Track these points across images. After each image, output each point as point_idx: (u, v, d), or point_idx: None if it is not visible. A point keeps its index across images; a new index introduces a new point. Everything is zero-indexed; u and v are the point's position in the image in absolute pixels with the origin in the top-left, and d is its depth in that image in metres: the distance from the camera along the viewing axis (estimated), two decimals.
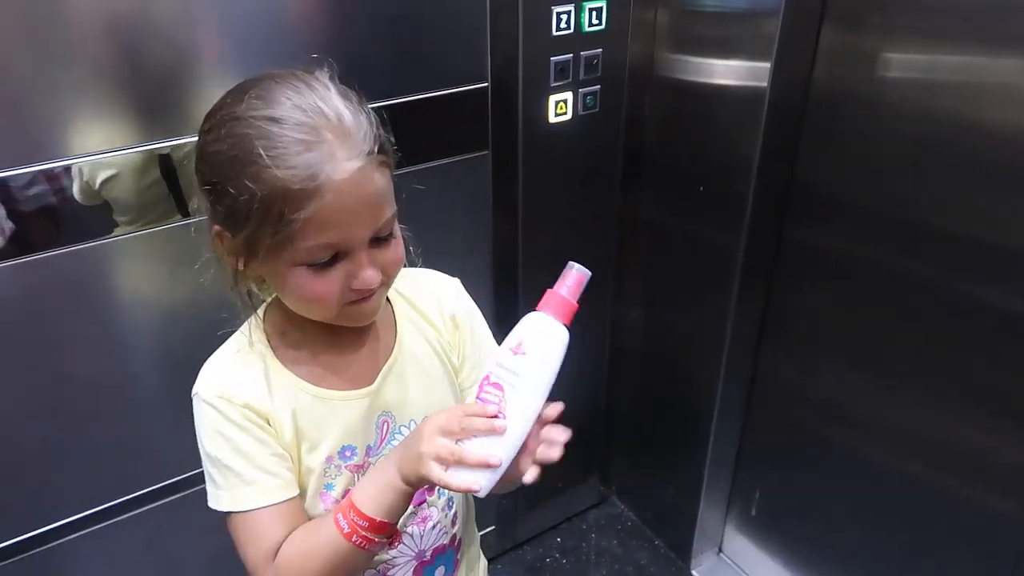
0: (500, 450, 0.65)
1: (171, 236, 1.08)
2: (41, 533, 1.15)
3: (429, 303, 0.83)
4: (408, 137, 1.01)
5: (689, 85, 1.29)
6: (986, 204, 1.05)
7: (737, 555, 1.63)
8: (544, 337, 0.66)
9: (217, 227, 0.68)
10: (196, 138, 0.69)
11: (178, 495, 1.24)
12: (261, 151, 0.62)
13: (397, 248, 0.71)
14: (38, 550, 1.16)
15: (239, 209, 0.64)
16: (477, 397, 0.67)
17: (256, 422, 0.73)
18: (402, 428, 0.80)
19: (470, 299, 0.86)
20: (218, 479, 0.73)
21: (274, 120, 0.63)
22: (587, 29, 1.26)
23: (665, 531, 1.68)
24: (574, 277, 0.67)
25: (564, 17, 1.24)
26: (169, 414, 1.12)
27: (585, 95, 1.31)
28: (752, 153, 1.24)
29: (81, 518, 1.18)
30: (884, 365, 1.23)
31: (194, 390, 0.74)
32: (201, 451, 0.75)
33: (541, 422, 0.69)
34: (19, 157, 0.96)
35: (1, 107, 0.93)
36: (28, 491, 1.13)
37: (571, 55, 1.27)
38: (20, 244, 0.99)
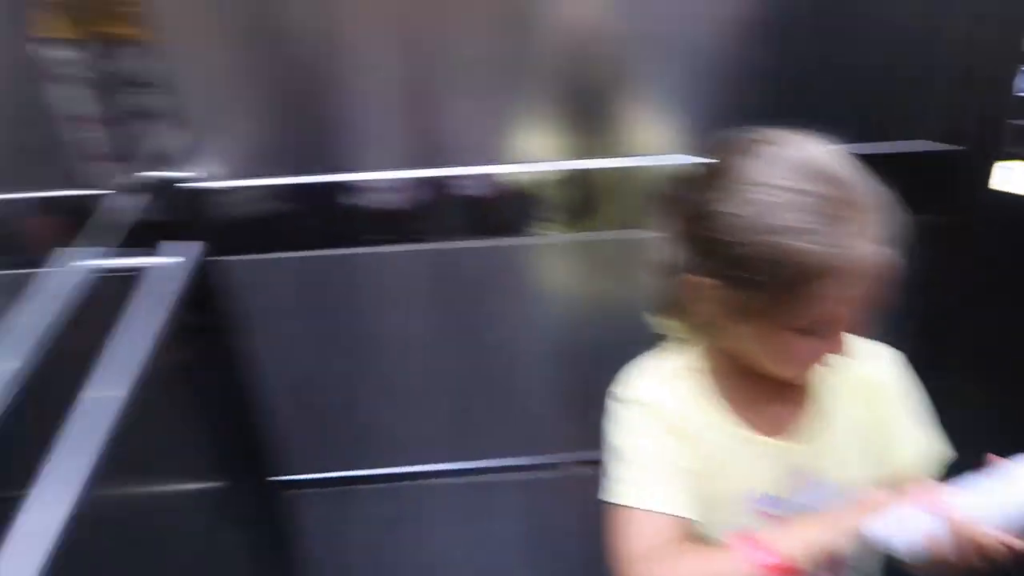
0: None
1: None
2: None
3: (869, 371, 0.81)
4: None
5: None
6: None
7: None
8: None
9: (707, 280, 0.69)
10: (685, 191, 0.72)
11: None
12: (792, 223, 0.62)
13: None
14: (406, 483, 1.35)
15: (750, 271, 0.65)
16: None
17: (674, 430, 0.76)
18: (821, 487, 0.79)
19: (910, 376, 0.83)
20: (619, 473, 0.77)
21: (802, 192, 0.63)
22: None
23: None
24: None
25: None
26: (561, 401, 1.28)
27: None
28: None
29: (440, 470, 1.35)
30: None
31: (617, 391, 0.79)
32: (609, 445, 0.79)
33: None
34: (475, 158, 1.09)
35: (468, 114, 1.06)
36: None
37: None
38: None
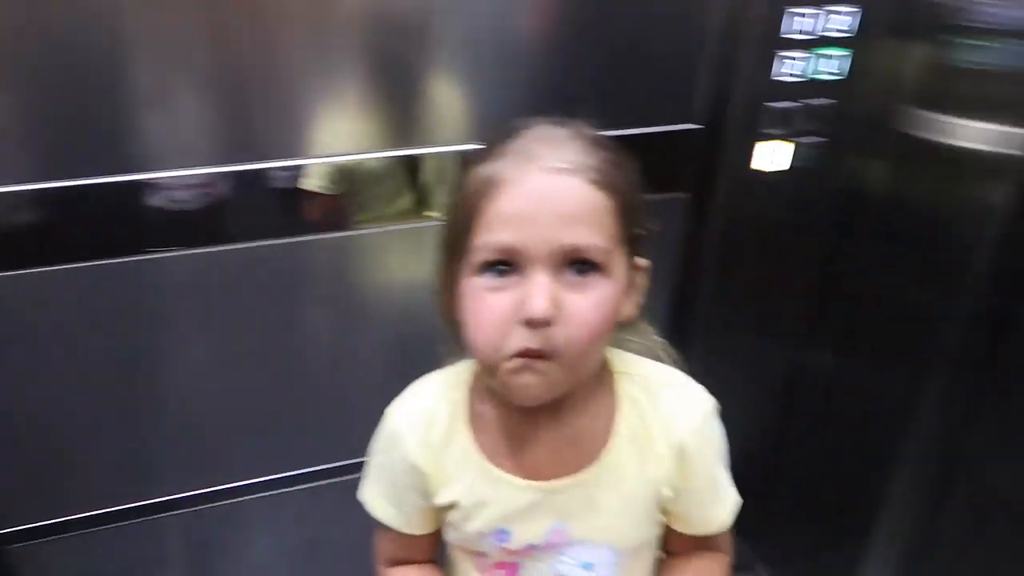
0: None
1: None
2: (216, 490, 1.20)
3: (661, 424, 0.70)
4: None
5: (931, 145, 1.13)
6: None
7: None
8: None
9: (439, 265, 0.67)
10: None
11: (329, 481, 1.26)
12: (484, 154, 0.62)
13: (594, 296, 0.60)
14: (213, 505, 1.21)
15: (447, 217, 0.64)
16: None
17: (412, 473, 0.72)
18: (575, 544, 0.71)
19: (716, 428, 0.73)
20: (371, 478, 0.78)
21: (514, 129, 0.63)
22: (819, 76, 1.10)
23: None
24: None
25: (791, 63, 1.08)
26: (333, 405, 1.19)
27: (806, 146, 1.15)
28: (992, 227, 1.10)
29: (245, 485, 1.21)
30: None
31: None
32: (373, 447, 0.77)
33: None
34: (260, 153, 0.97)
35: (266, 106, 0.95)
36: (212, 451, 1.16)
37: (793, 103, 1.11)
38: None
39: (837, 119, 1.13)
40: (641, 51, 1.05)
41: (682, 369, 0.76)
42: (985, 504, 1.29)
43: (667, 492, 0.71)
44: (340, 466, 1.24)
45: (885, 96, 1.15)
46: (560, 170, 0.59)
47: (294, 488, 1.24)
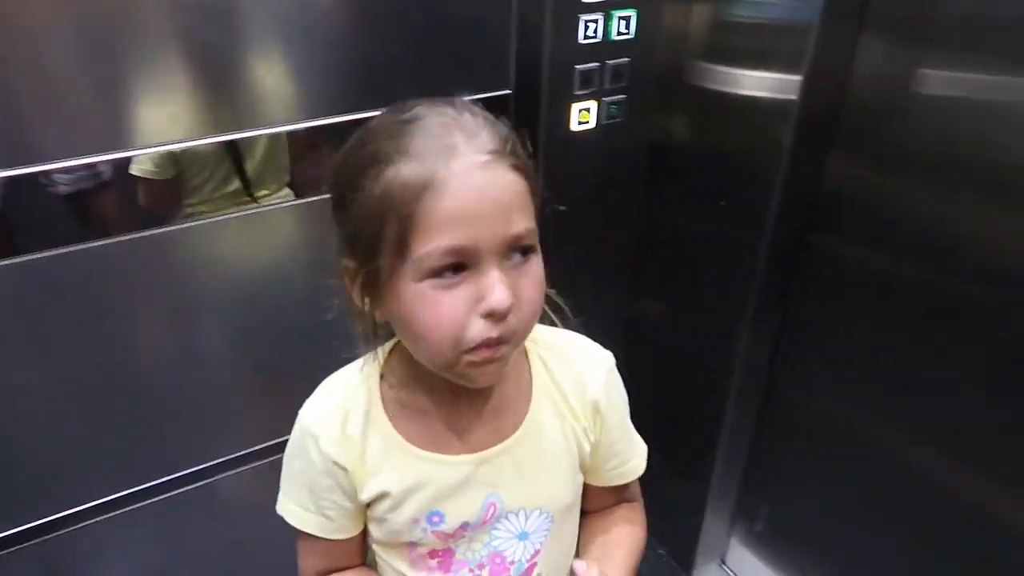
0: None
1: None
2: (50, 521, 1.12)
3: (572, 383, 0.75)
4: None
5: (718, 95, 1.25)
6: (1014, 222, 1.10)
7: (740, 568, 1.65)
8: None
9: (344, 260, 0.65)
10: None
11: (188, 488, 1.22)
12: (389, 150, 0.59)
13: (535, 276, 0.63)
14: (46, 537, 1.13)
15: (360, 220, 0.60)
16: None
17: (332, 472, 0.71)
18: (510, 515, 0.74)
19: (619, 380, 0.79)
20: (287, 490, 0.75)
21: (407, 122, 0.61)
22: (615, 37, 1.18)
23: (668, 539, 1.68)
24: None
25: (592, 25, 1.16)
26: (189, 405, 1.15)
27: (610, 104, 1.23)
28: (778, 166, 1.23)
29: (90, 508, 1.15)
30: (901, 383, 1.27)
31: (303, 406, 0.73)
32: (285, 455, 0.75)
33: None
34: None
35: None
36: (39, 479, 1.10)
37: (597, 64, 1.19)
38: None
39: (635, 76, 1.22)
40: (451, 20, 1.08)
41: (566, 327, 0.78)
42: (795, 420, 1.45)
43: (587, 447, 0.76)
44: (195, 471, 1.21)
45: (674, 52, 1.26)
46: (486, 162, 0.59)
47: (148, 502, 1.19)
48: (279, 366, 1.20)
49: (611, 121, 1.24)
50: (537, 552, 0.77)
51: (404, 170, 0.58)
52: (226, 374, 1.17)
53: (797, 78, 1.17)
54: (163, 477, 1.18)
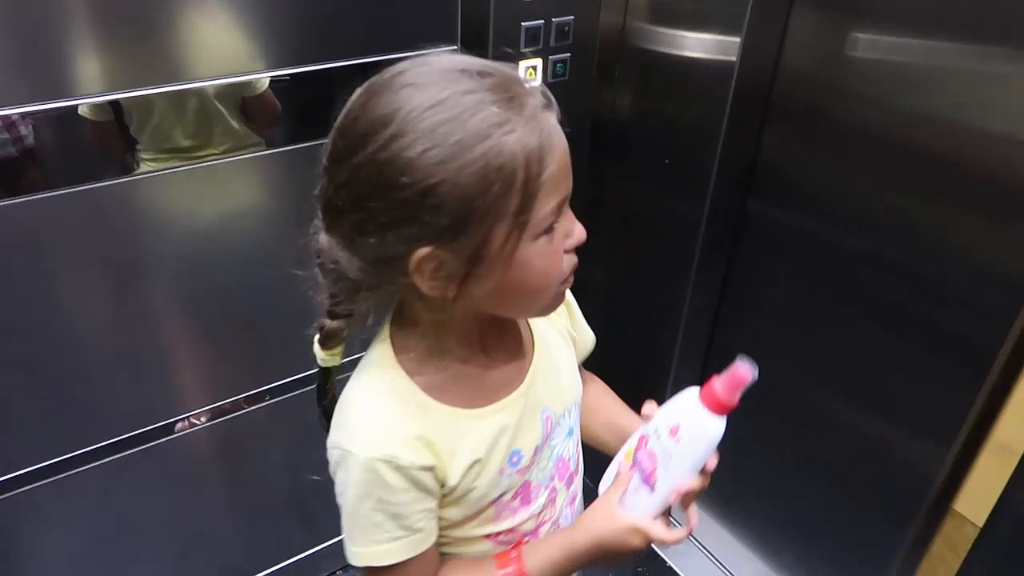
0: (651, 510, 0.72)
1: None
2: None
3: None
4: None
5: (659, 56, 1.28)
6: (938, 189, 1.15)
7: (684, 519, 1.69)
8: (700, 432, 0.68)
9: (425, 251, 0.58)
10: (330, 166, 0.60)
11: (132, 450, 1.19)
12: (486, 125, 0.55)
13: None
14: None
15: (460, 205, 0.56)
16: (635, 452, 0.73)
17: (417, 480, 0.66)
18: (560, 420, 0.78)
19: None
20: (359, 538, 0.68)
21: (470, 92, 0.56)
22: None
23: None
24: (737, 379, 0.65)
25: None
26: (125, 370, 1.12)
27: (555, 62, 1.24)
28: (718, 127, 1.26)
29: (33, 471, 1.12)
30: (836, 342, 1.32)
31: (343, 445, 0.66)
32: (342, 506, 0.69)
33: (681, 492, 0.71)
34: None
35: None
36: None
37: (542, 21, 1.20)
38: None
39: (579, 35, 1.24)
40: None
41: None
42: None
43: (573, 334, 0.84)
44: (140, 434, 1.19)
45: (617, 13, 1.28)
46: (551, 111, 0.60)
47: (85, 468, 1.17)
48: (223, 327, 1.19)
49: (557, 80, 1.26)
50: (578, 441, 0.84)
51: (510, 141, 0.56)
52: (165, 336, 1.16)
53: (736, 39, 1.21)
54: (103, 441, 1.16)
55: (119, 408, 1.16)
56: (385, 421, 0.66)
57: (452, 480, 0.68)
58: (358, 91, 0.60)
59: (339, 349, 0.71)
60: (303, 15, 1.04)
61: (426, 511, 0.68)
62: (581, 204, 1.52)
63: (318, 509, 1.50)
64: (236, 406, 1.27)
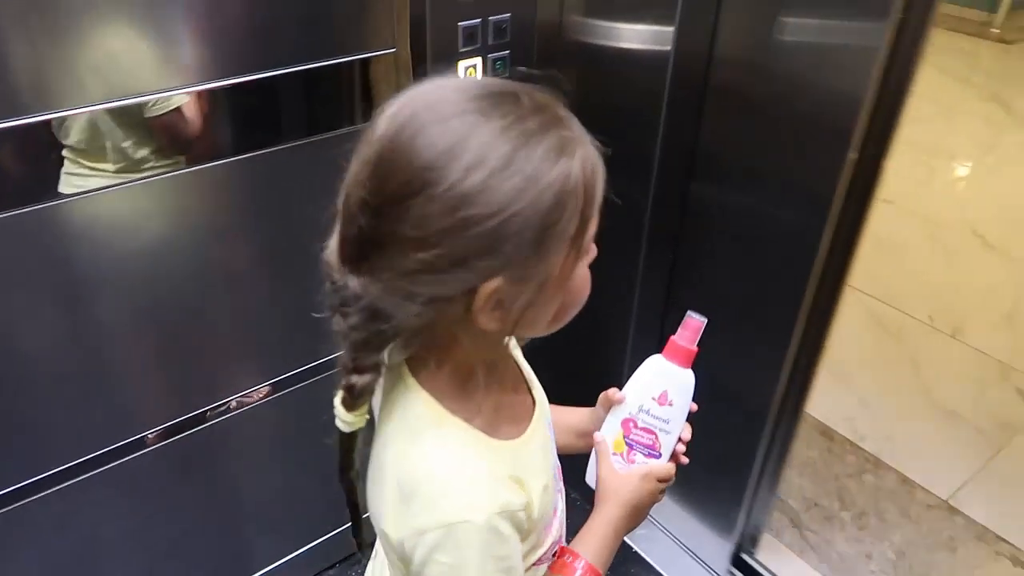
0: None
1: None
2: None
3: None
4: (312, 106, 1.14)
5: (597, 49, 1.29)
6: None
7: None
8: (684, 387, 0.76)
9: (495, 283, 0.55)
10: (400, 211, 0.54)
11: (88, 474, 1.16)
12: (554, 148, 0.55)
13: None
14: None
15: (549, 228, 0.55)
16: (626, 439, 0.77)
17: (519, 523, 0.63)
18: (551, 433, 0.78)
19: None
20: None
21: (524, 116, 0.55)
22: None
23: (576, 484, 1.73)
24: (694, 327, 0.75)
25: None
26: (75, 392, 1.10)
27: (495, 60, 1.24)
28: (658, 115, 1.29)
29: None
30: (772, 320, 1.35)
31: (449, 520, 0.59)
32: None
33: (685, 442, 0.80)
34: None
35: None
36: None
37: (479, 20, 1.20)
38: None
39: (517, 32, 1.24)
40: None
41: None
42: None
43: None
44: (91, 458, 1.16)
45: (554, 7, 1.28)
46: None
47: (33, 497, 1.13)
48: (168, 347, 1.17)
49: (497, 77, 1.26)
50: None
51: (575, 163, 0.56)
52: (111, 357, 1.14)
53: (670, 29, 1.23)
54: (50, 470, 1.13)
55: (66, 433, 1.13)
56: (480, 475, 0.62)
57: (536, 511, 0.66)
58: (387, 125, 0.56)
59: (366, 407, 0.65)
60: (237, 24, 1.02)
61: (522, 555, 0.66)
62: None
63: (283, 520, 1.50)
64: (183, 427, 1.25)
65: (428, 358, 0.64)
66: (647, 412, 0.75)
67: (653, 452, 0.76)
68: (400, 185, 0.53)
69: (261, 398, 1.30)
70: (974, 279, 2.64)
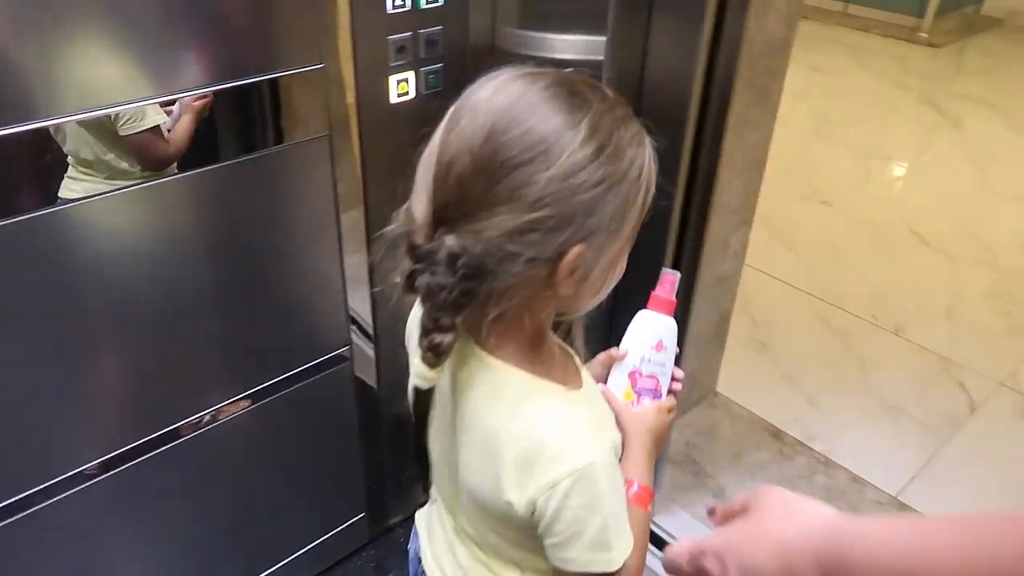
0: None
1: None
2: None
3: None
4: (241, 124, 1.13)
5: (531, 60, 1.28)
6: None
7: None
8: (672, 333, 0.85)
9: (579, 248, 0.63)
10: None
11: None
12: (628, 132, 0.64)
13: None
14: None
15: (634, 198, 0.65)
16: (634, 388, 0.85)
17: (619, 452, 0.76)
18: None
19: None
20: (620, 536, 0.70)
21: (598, 99, 0.63)
22: (424, 6, 1.17)
23: None
24: (670, 280, 0.84)
25: None
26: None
27: (427, 74, 1.22)
28: None
29: None
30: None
31: (575, 465, 0.66)
32: (590, 527, 0.68)
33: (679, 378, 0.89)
34: None
35: None
36: None
37: (410, 33, 1.18)
38: None
39: (450, 44, 1.23)
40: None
41: None
42: None
43: None
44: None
45: (486, 18, 1.27)
46: None
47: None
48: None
49: (431, 91, 1.24)
50: None
51: (647, 145, 0.65)
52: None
53: (602, 39, 1.22)
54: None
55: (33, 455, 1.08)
56: (586, 422, 0.71)
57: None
58: (498, 96, 0.62)
59: (445, 364, 0.68)
60: (168, 45, 0.98)
61: None
62: None
63: (268, 531, 1.47)
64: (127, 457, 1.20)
65: (491, 330, 0.68)
66: (648, 361, 0.84)
67: (656, 394, 0.86)
68: (520, 151, 0.60)
69: (239, 411, 1.28)
70: (913, 277, 2.70)
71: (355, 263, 1.31)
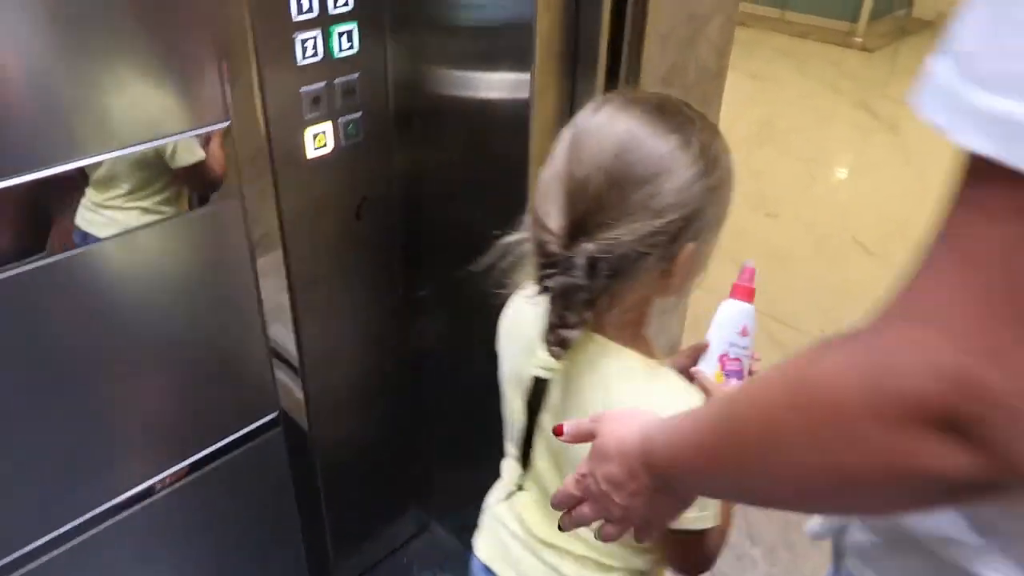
0: None
1: None
2: None
3: None
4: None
5: (455, 100, 1.23)
6: None
7: None
8: (752, 319, 0.90)
9: (692, 245, 0.73)
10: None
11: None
12: (719, 143, 0.75)
13: None
14: None
15: (723, 203, 0.75)
16: (724, 371, 0.89)
17: None
18: None
19: None
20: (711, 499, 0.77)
21: (687, 111, 0.75)
22: (339, 54, 1.12)
23: None
24: (749, 271, 0.90)
25: (309, 44, 1.09)
26: None
27: (345, 124, 1.17)
28: (524, 160, 1.24)
29: None
30: None
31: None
32: None
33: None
34: None
35: None
36: None
37: (323, 83, 1.12)
38: None
39: (368, 91, 1.17)
40: (162, 60, 0.98)
41: None
42: None
43: None
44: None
45: (405, 62, 1.22)
46: None
47: None
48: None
49: (351, 141, 1.18)
50: None
51: (728, 149, 0.75)
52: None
53: (526, 76, 1.18)
54: None
55: None
56: (696, 391, 0.82)
57: None
58: (617, 123, 0.71)
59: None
60: (54, 108, 0.91)
61: None
62: (400, 256, 1.47)
63: None
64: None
65: (611, 320, 0.78)
66: (735, 345, 0.89)
67: (741, 375, 0.90)
68: (647, 168, 0.70)
69: (179, 481, 1.22)
70: (858, 287, 2.72)
71: (277, 304, 1.25)
